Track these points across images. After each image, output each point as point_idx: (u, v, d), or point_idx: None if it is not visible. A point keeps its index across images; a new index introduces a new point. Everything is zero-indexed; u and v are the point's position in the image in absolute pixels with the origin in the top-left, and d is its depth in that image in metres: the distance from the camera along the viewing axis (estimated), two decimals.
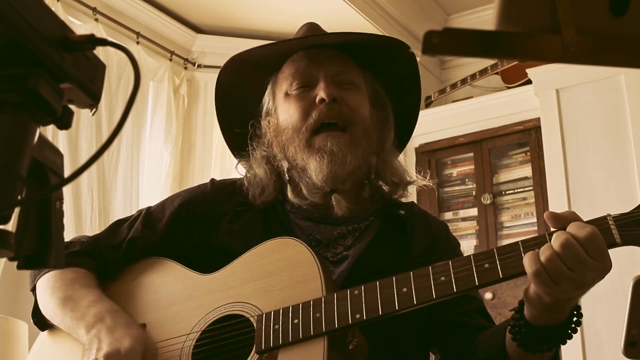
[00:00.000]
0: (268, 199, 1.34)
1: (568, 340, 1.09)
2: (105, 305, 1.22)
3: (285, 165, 1.33)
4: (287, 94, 1.33)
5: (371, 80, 1.38)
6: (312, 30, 1.40)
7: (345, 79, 1.32)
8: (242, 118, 1.41)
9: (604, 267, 1.00)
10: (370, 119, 1.34)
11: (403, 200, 1.43)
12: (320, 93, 1.28)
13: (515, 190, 3.72)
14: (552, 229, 1.05)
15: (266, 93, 1.39)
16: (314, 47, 1.34)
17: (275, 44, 1.34)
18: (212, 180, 1.45)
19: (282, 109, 1.34)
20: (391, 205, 1.38)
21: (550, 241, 1.01)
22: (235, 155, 1.45)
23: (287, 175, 1.33)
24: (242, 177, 1.41)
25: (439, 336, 1.31)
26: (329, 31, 1.40)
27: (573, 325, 1.08)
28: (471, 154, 3.88)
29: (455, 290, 1.06)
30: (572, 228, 1.00)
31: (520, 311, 1.09)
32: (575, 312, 1.09)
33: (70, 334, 1.26)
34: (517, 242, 1.06)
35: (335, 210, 1.29)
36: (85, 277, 1.28)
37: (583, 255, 0.98)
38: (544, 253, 0.99)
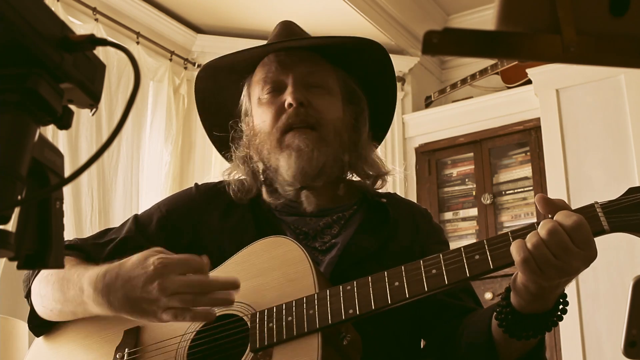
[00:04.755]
0: (252, 195, 1.37)
1: (553, 327, 1.10)
2: (93, 271, 1.18)
3: (260, 166, 1.36)
4: (259, 100, 1.37)
5: (343, 77, 1.41)
6: (285, 30, 1.43)
7: (314, 80, 1.35)
8: (224, 120, 1.45)
9: (589, 255, 1.00)
10: (343, 117, 1.36)
11: (382, 191, 1.45)
12: (288, 98, 1.31)
13: (515, 190, 3.72)
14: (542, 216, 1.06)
15: (243, 94, 1.43)
16: (283, 50, 1.37)
17: (243, 52, 1.38)
18: (196, 184, 1.47)
19: (256, 113, 1.38)
20: (372, 195, 1.41)
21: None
22: (223, 156, 1.48)
23: (262, 176, 1.37)
24: (224, 179, 1.43)
25: (427, 319, 1.31)
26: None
27: (559, 313, 1.09)
28: (471, 154, 3.89)
29: (446, 282, 1.07)
30: (559, 216, 1.01)
31: (507, 298, 1.10)
32: (561, 300, 1.09)
33: (76, 315, 1.24)
34: (507, 233, 1.07)
35: (305, 206, 1.32)
36: (71, 260, 1.28)
37: (568, 243, 0.98)
38: (530, 240, 1.00)
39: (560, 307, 1.09)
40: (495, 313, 1.12)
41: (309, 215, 1.34)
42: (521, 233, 1.05)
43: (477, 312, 1.26)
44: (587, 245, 0.99)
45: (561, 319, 1.10)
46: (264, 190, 1.37)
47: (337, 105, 1.37)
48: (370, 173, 1.39)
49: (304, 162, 1.28)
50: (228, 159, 1.44)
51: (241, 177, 1.39)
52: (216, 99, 1.47)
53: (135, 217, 1.41)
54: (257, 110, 1.37)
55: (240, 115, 1.43)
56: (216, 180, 1.47)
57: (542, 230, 0.99)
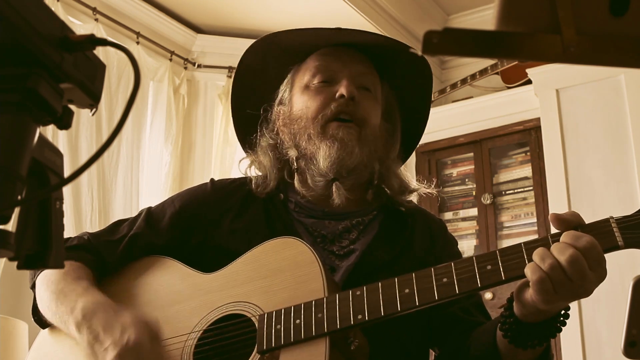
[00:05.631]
0: (270, 188, 1.36)
1: (558, 334, 1.10)
2: (92, 298, 1.20)
3: (293, 153, 1.35)
4: (307, 86, 1.35)
5: (387, 92, 1.41)
6: (337, 28, 1.42)
7: (366, 82, 1.35)
8: (254, 101, 1.43)
9: (601, 276, 1.01)
10: (379, 128, 1.37)
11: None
12: (342, 89, 1.30)
13: (515, 190, 3.72)
14: (555, 231, 1.06)
15: (284, 82, 1.41)
16: (341, 45, 1.37)
17: (308, 30, 1.36)
18: (212, 180, 1.45)
19: (299, 99, 1.36)
20: (392, 202, 1.40)
21: (551, 244, 1.02)
22: (241, 144, 1.47)
23: (295, 164, 1.35)
24: (242, 175, 1.43)
25: (438, 332, 1.31)
26: None
27: (562, 319, 1.09)
28: (471, 154, 3.89)
29: (457, 291, 1.07)
30: (571, 239, 1.00)
31: (509, 308, 1.10)
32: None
33: (60, 328, 1.25)
34: (520, 244, 1.06)
35: (334, 197, 1.30)
36: (77, 269, 1.28)
37: (586, 269, 0.99)
38: (546, 262, 1.00)
39: (563, 312, 1.09)
40: (499, 324, 1.12)
41: (328, 218, 1.33)
42: (534, 245, 1.04)
43: (484, 325, 1.26)
44: (599, 265, 1.00)
45: (564, 324, 1.09)
46: (296, 179, 1.36)
47: (379, 113, 1.37)
48: (398, 187, 1.39)
49: (344, 154, 1.28)
50: (247, 146, 1.43)
51: (262, 169, 1.38)
52: (255, 77, 1.44)
53: (149, 211, 1.40)
54: (300, 96, 1.35)
55: (274, 102, 1.41)
56: (234, 176, 1.47)
57: (562, 256, 0.99)
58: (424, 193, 1.46)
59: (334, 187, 1.30)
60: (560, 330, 1.10)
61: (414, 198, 1.47)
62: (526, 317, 1.07)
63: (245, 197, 1.38)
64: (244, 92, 1.46)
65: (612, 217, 1.03)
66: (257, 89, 1.44)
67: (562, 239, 1.01)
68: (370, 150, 1.32)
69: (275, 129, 1.39)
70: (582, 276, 0.99)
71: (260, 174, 1.40)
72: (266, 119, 1.41)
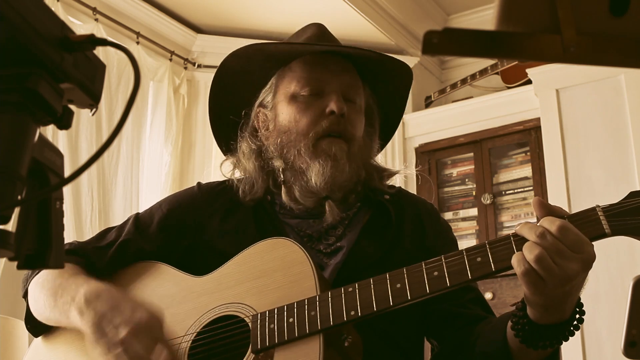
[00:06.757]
0: (257, 195, 1.35)
1: (571, 337, 1.09)
2: (94, 285, 1.18)
3: (279, 164, 1.33)
4: (294, 97, 1.34)
5: (367, 95, 1.41)
6: (321, 33, 1.41)
7: (352, 94, 1.35)
8: (234, 104, 1.42)
9: (585, 257, 1.00)
10: (362, 136, 1.37)
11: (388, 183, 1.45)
12: (332, 105, 1.30)
13: (515, 190, 3.72)
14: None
15: (268, 85, 1.39)
16: (326, 53, 1.36)
17: (293, 45, 1.35)
18: (199, 183, 1.45)
19: (286, 109, 1.34)
20: (375, 193, 1.39)
21: None
22: (220, 148, 1.45)
23: (281, 175, 1.34)
24: (227, 178, 1.41)
25: (436, 328, 1.31)
26: (332, 32, 1.41)
27: (575, 323, 1.08)
28: (471, 154, 3.89)
29: (448, 284, 1.07)
30: (544, 222, 1.01)
31: (523, 308, 1.09)
32: (577, 309, 1.09)
33: (59, 324, 1.24)
34: (509, 235, 1.07)
35: (327, 216, 1.30)
36: (72, 269, 1.27)
37: (561, 247, 0.98)
38: (529, 250, 1.00)
39: (577, 316, 1.08)
40: (511, 323, 1.12)
41: (313, 217, 1.33)
42: (522, 236, 1.04)
43: (490, 321, 1.25)
44: (579, 246, 0.99)
45: (578, 328, 1.09)
46: (282, 191, 1.34)
47: (363, 125, 1.38)
48: (377, 178, 1.39)
49: (337, 172, 1.28)
50: (227, 153, 1.41)
51: (247, 174, 1.37)
52: (236, 79, 1.42)
53: (137, 216, 1.40)
54: (287, 106, 1.34)
55: (253, 105, 1.40)
56: (220, 179, 1.45)
57: (532, 235, 0.99)
58: (403, 176, 1.47)
59: (327, 205, 1.31)
60: (573, 333, 1.09)
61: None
62: (538, 318, 1.07)
63: (233, 199, 1.37)
64: (224, 94, 1.44)
65: (598, 206, 1.04)
66: (237, 90, 1.42)
67: (540, 223, 1.02)
68: (357, 164, 1.33)
69: (258, 135, 1.38)
70: (560, 255, 0.98)
71: (243, 177, 1.38)
72: (247, 122, 1.40)
